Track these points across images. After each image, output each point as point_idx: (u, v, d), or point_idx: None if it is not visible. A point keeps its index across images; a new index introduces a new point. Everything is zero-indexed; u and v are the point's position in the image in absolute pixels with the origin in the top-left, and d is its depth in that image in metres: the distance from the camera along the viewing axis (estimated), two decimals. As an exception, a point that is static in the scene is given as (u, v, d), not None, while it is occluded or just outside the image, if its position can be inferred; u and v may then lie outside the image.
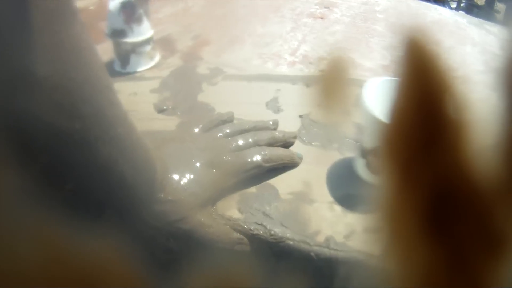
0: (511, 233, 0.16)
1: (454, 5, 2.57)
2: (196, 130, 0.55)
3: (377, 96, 0.49)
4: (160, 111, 0.64)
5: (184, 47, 0.81)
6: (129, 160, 0.41)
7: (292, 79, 0.73)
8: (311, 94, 0.70)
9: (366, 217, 0.49)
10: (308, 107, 0.66)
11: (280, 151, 0.55)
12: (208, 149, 0.51)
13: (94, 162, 0.38)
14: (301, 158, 0.56)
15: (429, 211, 0.16)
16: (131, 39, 0.69)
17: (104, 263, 0.23)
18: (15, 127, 0.33)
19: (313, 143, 0.60)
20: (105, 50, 0.72)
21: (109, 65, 0.72)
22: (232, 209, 0.50)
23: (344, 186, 0.54)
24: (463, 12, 1.48)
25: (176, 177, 0.46)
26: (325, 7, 1.00)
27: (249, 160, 0.51)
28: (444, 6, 1.35)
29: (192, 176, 0.47)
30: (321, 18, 0.95)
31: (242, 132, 0.56)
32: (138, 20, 0.69)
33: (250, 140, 0.54)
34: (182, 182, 0.46)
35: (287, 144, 0.58)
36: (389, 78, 0.52)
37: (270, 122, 0.60)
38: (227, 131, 0.55)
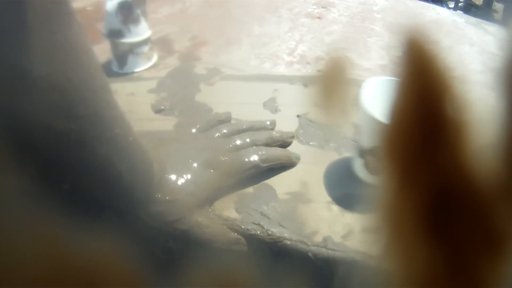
0: (511, 233, 0.16)
1: (452, 4, 2.58)
2: (194, 130, 0.55)
3: (375, 96, 0.49)
4: (158, 111, 0.64)
5: (181, 48, 0.81)
6: (126, 161, 0.41)
7: (289, 79, 0.73)
8: (309, 94, 0.70)
9: (364, 217, 0.49)
10: (305, 107, 0.66)
11: (277, 151, 0.55)
12: (206, 149, 0.51)
13: (91, 162, 0.38)
14: (298, 158, 0.56)
15: (429, 211, 0.16)
16: (129, 39, 0.69)
17: (104, 263, 0.23)
18: (12, 127, 0.33)
19: (310, 143, 0.60)
20: (102, 51, 0.72)
21: (107, 66, 0.72)
22: (229, 209, 0.50)
23: (341, 186, 0.54)
24: (461, 12, 1.48)
25: (173, 177, 0.46)
26: (322, 7, 1.00)
27: (246, 160, 0.51)
28: (442, 5, 1.35)
29: (189, 176, 0.47)
30: (319, 18, 0.95)
31: (239, 132, 0.56)
32: (136, 21, 0.68)
33: (248, 140, 0.54)
34: (179, 182, 0.46)
35: (284, 144, 0.58)
36: (387, 78, 0.52)
37: (268, 122, 0.60)
38: (225, 131, 0.55)
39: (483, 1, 2.73)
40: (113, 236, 0.24)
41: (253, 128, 0.58)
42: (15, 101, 0.32)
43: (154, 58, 0.76)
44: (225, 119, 0.60)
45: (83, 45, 0.36)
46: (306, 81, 0.72)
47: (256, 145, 0.54)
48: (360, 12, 1.00)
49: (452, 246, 0.16)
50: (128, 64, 0.72)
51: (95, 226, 0.23)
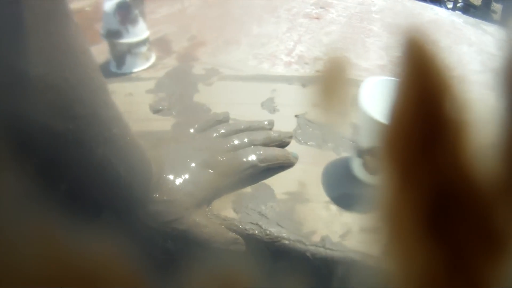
0: (511, 233, 0.16)
1: (450, 5, 2.58)
2: (192, 130, 0.55)
3: (374, 96, 0.49)
4: (156, 111, 0.64)
5: (180, 48, 0.81)
6: (124, 161, 0.41)
7: (288, 79, 0.73)
8: (307, 94, 0.70)
9: (362, 217, 0.49)
10: (304, 107, 0.66)
11: (275, 151, 0.55)
12: (204, 149, 0.51)
13: (88, 162, 0.38)
14: (296, 158, 0.56)
15: (428, 211, 0.16)
16: (127, 39, 0.69)
17: (103, 263, 0.23)
18: (10, 127, 0.33)
19: (308, 143, 0.60)
20: (101, 51, 0.72)
21: (105, 66, 0.72)
22: (227, 209, 0.50)
23: (340, 186, 0.54)
24: (460, 12, 1.49)
25: (171, 177, 0.46)
26: (321, 8, 1.00)
27: (244, 160, 0.51)
28: (440, 6, 1.36)
29: (187, 176, 0.47)
30: (317, 18, 0.95)
31: (237, 132, 0.56)
32: (134, 21, 0.68)
33: (246, 140, 0.54)
34: (177, 182, 0.46)
35: (282, 144, 0.58)
36: (386, 77, 0.52)
37: (266, 122, 0.60)
38: (223, 131, 0.55)
39: (481, 2, 2.74)
40: (112, 236, 0.24)
41: (251, 128, 0.58)
42: (12, 101, 0.32)
43: (152, 59, 0.76)
44: (223, 119, 0.60)
45: (81, 46, 0.36)
46: (304, 81, 0.73)
47: (254, 145, 0.54)
48: (358, 12, 1.00)
49: (451, 246, 0.16)
50: (126, 64, 0.72)
51: (93, 226, 0.23)
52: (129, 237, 0.26)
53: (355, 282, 0.45)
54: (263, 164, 0.52)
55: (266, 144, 0.55)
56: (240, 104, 0.66)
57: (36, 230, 0.23)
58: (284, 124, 0.62)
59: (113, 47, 0.70)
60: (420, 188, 0.16)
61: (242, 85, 0.71)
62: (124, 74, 0.72)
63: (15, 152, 0.32)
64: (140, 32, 0.70)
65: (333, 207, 0.51)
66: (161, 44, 0.81)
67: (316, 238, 0.47)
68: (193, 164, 0.48)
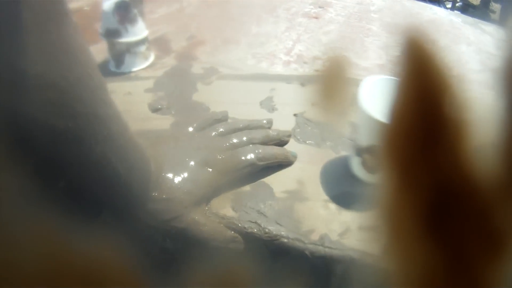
0: (511, 233, 0.16)
1: (449, 5, 2.58)
2: (191, 129, 0.55)
3: (373, 94, 0.49)
4: (155, 110, 0.64)
5: (178, 47, 0.81)
6: (123, 159, 0.41)
7: (286, 79, 0.73)
8: (306, 93, 0.70)
9: (361, 215, 0.49)
10: (302, 106, 0.66)
11: (274, 150, 0.55)
12: (202, 148, 0.51)
13: (87, 160, 0.38)
14: (295, 157, 0.56)
15: (428, 210, 0.16)
16: (126, 39, 0.69)
17: (102, 263, 0.23)
18: (9, 125, 0.33)
19: (307, 142, 0.60)
20: (100, 50, 0.72)
21: (104, 65, 0.72)
22: (226, 207, 0.50)
23: (338, 185, 0.54)
24: (458, 12, 1.49)
25: (170, 175, 0.46)
26: (319, 7, 1.00)
27: (243, 158, 0.51)
28: (439, 5, 1.36)
29: (186, 175, 0.47)
30: (316, 18, 0.95)
31: (236, 130, 0.56)
32: (133, 20, 0.69)
33: (244, 138, 0.54)
34: (176, 181, 0.46)
35: (281, 143, 0.58)
36: (385, 77, 0.52)
37: (264, 121, 0.60)
38: (221, 130, 0.55)
39: (480, 1, 2.74)
40: (111, 235, 0.24)
41: (250, 126, 0.58)
42: (12, 99, 0.33)
43: (151, 58, 0.76)
44: (222, 118, 0.60)
45: (79, 44, 0.36)
46: (303, 81, 0.73)
47: (253, 143, 0.54)
48: (357, 12, 1.00)
49: (451, 246, 0.16)
50: (125, 63, 0.72)
51: (93, 226, 0.23)
52: (128, 235, 0.26)
53: (354, 280, 0.46)
54: (261, 163, 0.52)
55: (265, 142, 0.55)
56: (239, 103, 0.66)
57: (36, 229, 0.23)
58: (283, 123, 0.62)
59: (112, 46, 0.70)
60: (419, 187, 0.16)
61: (241, 84, 0.71)
62: (123, 73, 0.72)
63: (14, 150, 0.32)
64: (139, 31, 0.70)
65: (332, 206, 0.51)
66: (160, 44, 0.81)
67: (315, 237, 0.47)
68: (192, 163, 0.48)
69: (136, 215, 0.44)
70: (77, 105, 0.35)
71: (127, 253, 0.24)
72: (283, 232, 0.48)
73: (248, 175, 0.52)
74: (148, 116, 0.63)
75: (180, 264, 0.46)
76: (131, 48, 0.71)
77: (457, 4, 2.62)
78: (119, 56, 0.71)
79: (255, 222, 0.48)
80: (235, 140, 0.53)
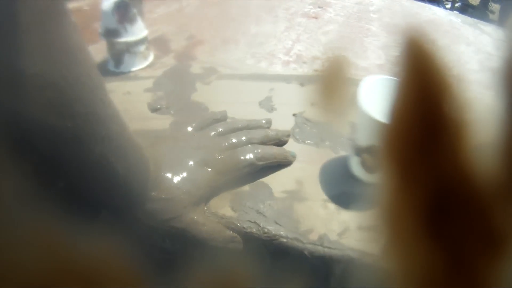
0: (510, 233, 0.16)
1: (448, 5, 2.58)
2: (190, 129, 0.55)
3: (372, 94, 0.49)
4: (154, 110, 0.64)
5: (178, 47, 0.81)
6: (122, 159, 0.41)
7: (286, 78, 0.73)
8: (305, 93, 0.70)
9: (360, 215, 0.49)
10: (302, 106, 0.66)
11: (273, 149, 0.55)
12: (202, 148, 0.51)
13: (86, 160, 0.38)
14: (294, 157, 0.56)
15: (428, 210, 0.16)
16: (125, 38, 0.69)
17: (102, 263, 0.23)
18: (7, 125, 0.33)
19: (306, 142, 0.60)
20: (99, 50, 0.72)
21: (103, 65, 0.72)
22: (225, 207, 0.50)
23: (337, 184, 0.54)
24: (458, 12, 1.49)
25: (169, 175, 0.46)
26: (319, 7, 1.00)
27: (242, 158, 0.51)
28: (438, 6, 1.36)
29: (185, 175, 0.47)
30: (315, 17, 0.95)
31: (235, 130, 0.56)
32: (132, 20, 0.69)
33: (243, 138, 0.54)
34: (175, 181, 0.46)
35: (280, 143, 0.58)
36: (385, 76, 0.52)
37: (263, 121, 0.60)
38: (221, 129, 0.55)
39: (479, 2, 2.74)
40: (111, 236, 0.24)
41: (249, 126, 0.58)
42: (10, 99, 0.32)
43: (151, 58, 0.76)
44: (221, 118, 0.60)
45: (78, 44, 0.36)
46: (302, 80, 0.73)
47: (252, 143, 0.54)
48: (356, 12, 1.00)
49: (450, 246, 0.16)
50: (125, 63, 0.72)
51: (92, 226, 0.23)
52: (127, 236, 0.26)
53: (353, 280, 0.46)
54: (261, 163, 0.52)
55: (264, 142, 0.55)
56: (238, 103, 0.66)
57: (35, 230, 0.23)
58: (282, 123, 0.62)
59: (111, 46, 0.70)
60: (419, 187, 0.16)
61: (240, 84, 0.71)
62: (122, 73, 0.72)
63: (13, 150, 0.32)
64: (138, 31, 0.70)
65: (331, 206, 0.51)
66: (159, 43, 0.81)
67: (314, 237, 0.47)
68: (191, 162, 0.48)
69: (135, 215, 0.44)
70: (76, 105, 0.35)
71: (126, 254, 0.24)
72: (282, 232, 0.48)
73: (247, 175, 0.52)
74: (147, 115, 0.63)
75: (179, 264, 0.46)
76: (130, 47, 0.71)
77: (456, 4, 2.62)
78: (119, 56, 0.71)
79: (254, 222, 0.48)
80: (234, 140, 0.53)
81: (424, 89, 0.15)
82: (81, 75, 0.36)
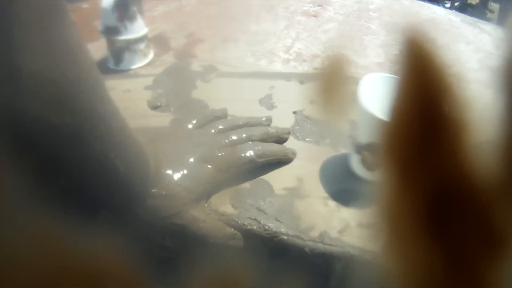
0: (511, 232, 0.16)
1: (448, 4, 2.59)
2: (190, 126, 0.55)
3: (373, 92, 0.49)
4: (154, 108, 0.64)
5: (178, 45, 0.81)
6: (122, 155, 0.41)
7: (286, 76, 0.73)
8: (305, 91, 0.70)
9: (360, 212, 0.49)
10: (302, 103, 0.66)
11: (273, 147, 0.55)
12: (202, 145, 0.51)
13: (86, 157, 0.38)
14: (294, 154, 0.56)
15: (428, 208, 0.16)
16: (125, 36, 0.69)
17: (102, 262, 0.23)
18: (7, 122, 0.33)
19: (306, 139, 0.60)
20: (98, 48, 0.72)
21: (103, 63, 0.72)
22: (225, 204, 0.50)
23: (338, 182, 0.54)
24: (457, 11, 1.49)
25: (169, 172, 0.46)
26: (318, 5, 1.00)
27: (242, 155, 0.51)
28: (438, 5, 1.36)
29: (185, 171, 0.47)
30: (315, 16, 0.95)
31: (235, 128, 0.56)
32: (132, 18, 0.68)
33: (244, 135, 0.54)
34: (175, 177, 0.46)
35: (280, 140, 0.58)
36: (385, 74, 0.52)
37: (263, 119, 0.60)
38: (221, 127, 0.55)
39: (479, 1, 2.74)
40: (110, 234, 0.24)
41: (249, 124, 0.58)
42: (10, 96, 0.32)
43: (150, 55, 0.76)
44: (221, 116, 0.60)
45: (77, 41, 0.36)
46: (302, 78, 0.73)
47: (252, 140, 0.54)
48: (356, 10, 1.00)
49: (450, 244, 0.16)
50: (124, 61, 0.72)
51: (92, 224, 0.23)
52: (127, 234, 0.26)
53: (354, 277, 0.46)
54: (261, 160, 0.52)
55: (264, 139, 0.55)
56: (238, 100, 0.66)
57: (35, 229, 0.23)
58: (282, 120, 0.62)
59: (111, 44, 0.70)
60: (419, 184, 0.16)
61: (240, 82, 0.71)
62: (122, 71, 0.72)
63: (13, 147, 0.32)
64: (138, 29, 0.70)
65: (331, 203, 0.51)
66: (159, 41, 0.81)
67: (314, 234, 0.47)
68: (191, 159, 0.48)
69: (135, 212, 0.44)
70: (76, 102, 0.35)
71: (126, 253, 0.24)
72: (282, 229, 0.48)
73: (247, 172, 0.52)
74: (147, 113, 0.63)
75: (179, 262, 0.46)
76: (130, 45, 0.71)
77: (455, 3, 2.62)
78: (118, 54, 0.71)
79: (255, 219, 0.48)
80: (234, 137, 0.53)
81: (423, 88, 0.15)
82: (80, 72, 0.36)
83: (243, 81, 0.72)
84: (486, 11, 2.64)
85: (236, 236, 0.48)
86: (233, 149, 0.51)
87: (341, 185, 0.53)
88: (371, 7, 1.03)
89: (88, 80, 0.37)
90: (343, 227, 0.48)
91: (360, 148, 0.52)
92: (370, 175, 0.52)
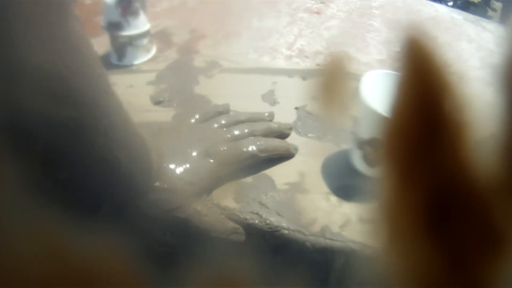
0: (511, 232, 0.16)
1: (450, 2, 2.58)
2: (192, 121, 0.56)
3: (375, 88, 0.49)
4: (157, 103, 0.64)
5: (180, 41, 0.81)
6: (125, 149, 0.41)
7: (288, 72, 0.73)
8: (308, 87, 0.70)
9: (361, 208, 0.49)
10: (304, 99, 0.66)
11: (275, 142, 0.55)
12: (204, 139, 0.51)
13: (89, 150, 0.39)
14: (296, 150, 0.56)
15: (429, 204, 0.16)
16: (128, 32, 0.69)
17: (103, 259, 0.23)
18: (10, 116, 0.33)
19: (308, 135, 0.60)
20: (101, 43, 0.73)
21: (106, 58, 0.72)
22: (228, 198, 0.50)
23: (339, 177, 0.54)
24: (459, 9, 1.49)
25: (172, 166, 0.46)
26: (321, 2, 1.00)
27: (244, 149, 0.51)
28: (440, 3, 1.35)
29: (188, 166, 0.47)
30: (317, 13, 0.95)
31: (237, 123, 0.56)
32: (135, 13, 0.69)
33: (246, 130, 0.54)
34: (178, 171, 0.46)
35: (282, 136, 0.58)
36: (387, 71, 0.52)
37: (266, 114, 0.60)
38: (223, 122, 0.55)
39: (481, -1, 2.74)
40: (112, 231, 0.24)
41: (251, 119, 0.58)
42: (13, 90, 0.33)
43: (153, 51, 0.76)
44: (224, 111, 0.60)
45: (80, 35, 0.36)
46: (304, 75, 0.73)
47: (254, 135, 0.54)
48: (358, 7, 1.00)
49: (450, 243, 0.16)
50: (127, 56, 0.72)
51: (94, 221, 0.23)
52: (129, 230, 0.26)
53: (355, 271, 0.46)
54: (263, 154, 0.52)
55: (267, 135, 0.56)
56: (240, 96, 0.66)
57: (37, 227, 0.23)
58: (284, 116, 0.62)
59: (114, 39, 0.70)
60: (420, 181, 0.16)
61: (242, 78, 0.71)
62: (125, 66, 0.72)
63: (16, 141, 0.32)
64: (141, 24, 0.70)
65: (333, 198, 0.51)
66: (161, 37, 0.81)
67: (316, 228, 0.48)
68: (193, 153, 0.48)
69: (138, 205, 0.44)
70: (79, 95, 0.35)
71: (127, 251, 0.24)
72: (284, 223, 0.48)
73: (249, 167, 0.52)
74: (150, 108, 0.63)
75: (180, 257, 0.46)
76: (133, 41, 0.71)
77: (458, 2, 2.62)
78: (121, 49, 0.71)
79: (257, 213, 0.48)
80: (236, 132, 0.53)
81: (425, 85, 0.15)
82: (84, 66, 0.36)
83: (245, 76, 0.72)
84: (489, 9, 2.63)
85: (237, 230, 0.48)
86: (235, 144, 0.52)
87: (342, 180, 0.53)
88: (374, 4, 1.03)
89: (92, 74, 0.37)
90: (344, 222, 0.48)
91: (362, 144, 0.52)
92: (372, 171, 0.52)
